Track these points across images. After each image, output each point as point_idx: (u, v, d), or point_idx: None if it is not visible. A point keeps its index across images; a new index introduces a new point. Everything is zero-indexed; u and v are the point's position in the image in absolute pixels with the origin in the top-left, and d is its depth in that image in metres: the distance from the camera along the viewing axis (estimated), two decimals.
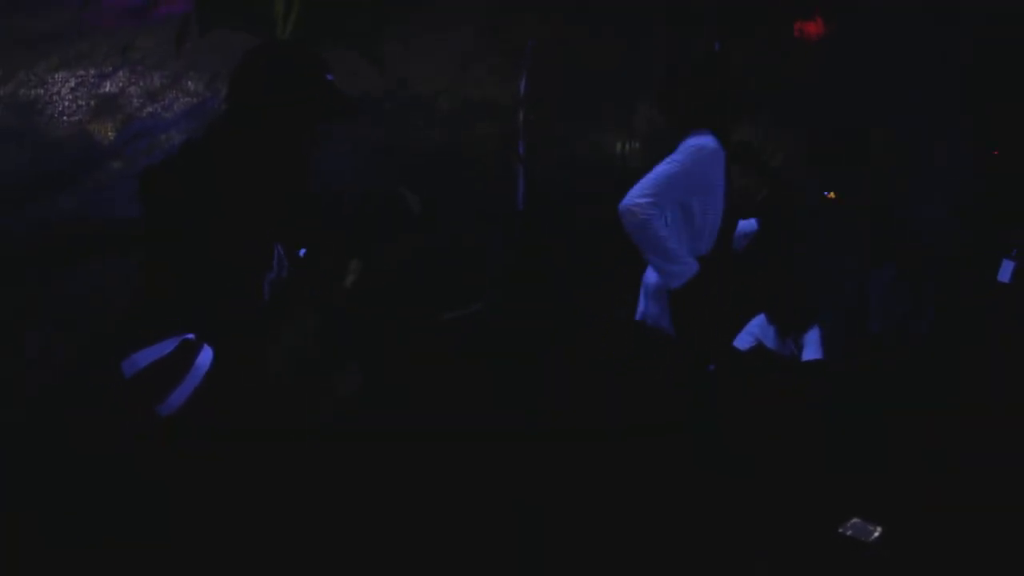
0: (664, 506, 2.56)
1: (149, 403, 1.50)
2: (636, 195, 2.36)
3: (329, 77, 1.66)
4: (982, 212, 5.01)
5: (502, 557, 2.56)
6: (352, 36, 3.53)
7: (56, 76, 3.43)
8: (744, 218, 2.77)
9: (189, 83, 3.48)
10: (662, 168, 2.42)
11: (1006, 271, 4.65)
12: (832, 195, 4.79)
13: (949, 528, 2.79)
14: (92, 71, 3.45)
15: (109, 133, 3.41)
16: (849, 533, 2.62)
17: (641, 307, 2.68)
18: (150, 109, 3.46)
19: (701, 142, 2.46)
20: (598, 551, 2.56)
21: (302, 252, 1.82)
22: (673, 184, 2.41)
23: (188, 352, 1.50)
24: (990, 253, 4.73)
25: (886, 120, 4.99)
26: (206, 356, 1.52)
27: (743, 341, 4.01)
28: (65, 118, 3.40)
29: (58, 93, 3.42)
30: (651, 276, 2.63)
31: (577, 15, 4.14)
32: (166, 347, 1.49)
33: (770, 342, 3.99)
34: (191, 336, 1.52)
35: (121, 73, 3.48)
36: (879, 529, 2.62)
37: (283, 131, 1.63)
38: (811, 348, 3.97)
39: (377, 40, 3.59)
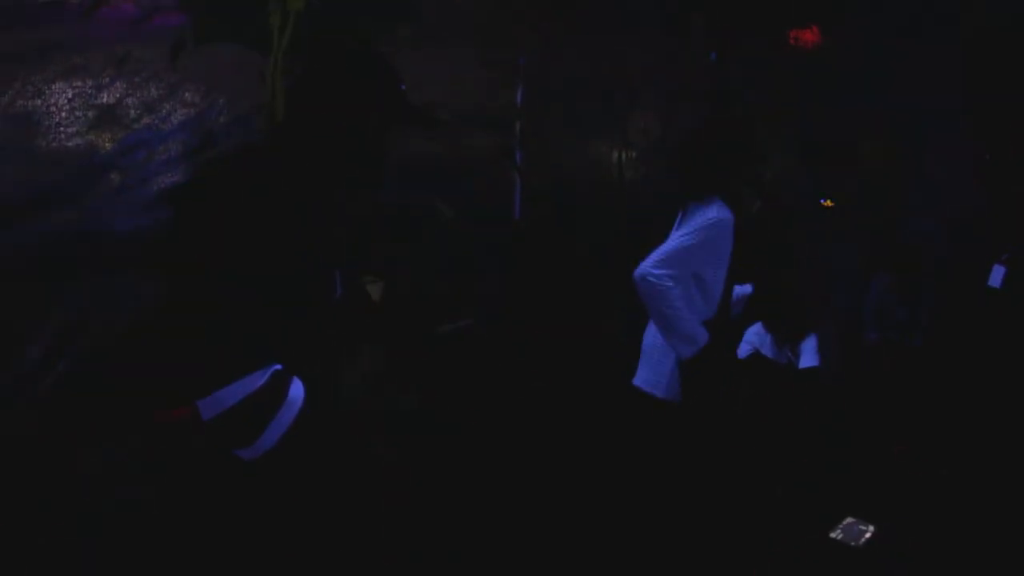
0: (660, 504, 2.58)
1: (236, 445, 1.34)
2: (653, 265, 2.40)
3: (403, 87, 1.55)
4: (975, 218, 5.04)
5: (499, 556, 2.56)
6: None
7: (52, 87, 3.42)
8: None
9: (186, 94, 3.48)
10: (681, 240, 2.46)
11: (997, 276, 4.68)
12: (829, 203, 4.81)
13: (946, 529, 2.80)
14: (89, 82, 3.44)
15: (106, 144, 3.41)
16: (840, 536, 2.62)
17: (641, 373, 2.70)
18: (147, 120, 3.46)
19: (720, 216, 2.49)
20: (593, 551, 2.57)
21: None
22: (692, 257, 2.46)
23: (280, 385, 1.34)
24: (982, 258, 4.75)
25: (880, 128, 5.01)
26: (298, 390, 1.36)
27: (741, 349, 4.03)
28: (62, 129, 3.39)
29: (55, 104, 3.41)
30: (650, 340, 2.67)
31: (572, 27, 4.15)
32: (255, 381, 1.32)
33: (767, 350, 4.00)
34: (279, 367, 1.35)
35: (118, 84, 3.48)
36: (871, 530, 2.62)
37: (361, 139, 1.50)
38: (808, 356, 3.99)
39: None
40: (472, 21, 3.86)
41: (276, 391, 1.32)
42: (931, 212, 5.12)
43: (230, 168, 1.45)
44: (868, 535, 2.62)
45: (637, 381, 2.68)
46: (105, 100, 3.35)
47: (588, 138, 4.48)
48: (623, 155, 4.53)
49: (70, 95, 3.32)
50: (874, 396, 4.32)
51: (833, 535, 2.63)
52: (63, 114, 3.31)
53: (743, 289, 2.81)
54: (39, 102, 3.30)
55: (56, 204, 3.25)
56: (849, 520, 2.70)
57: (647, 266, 2.42)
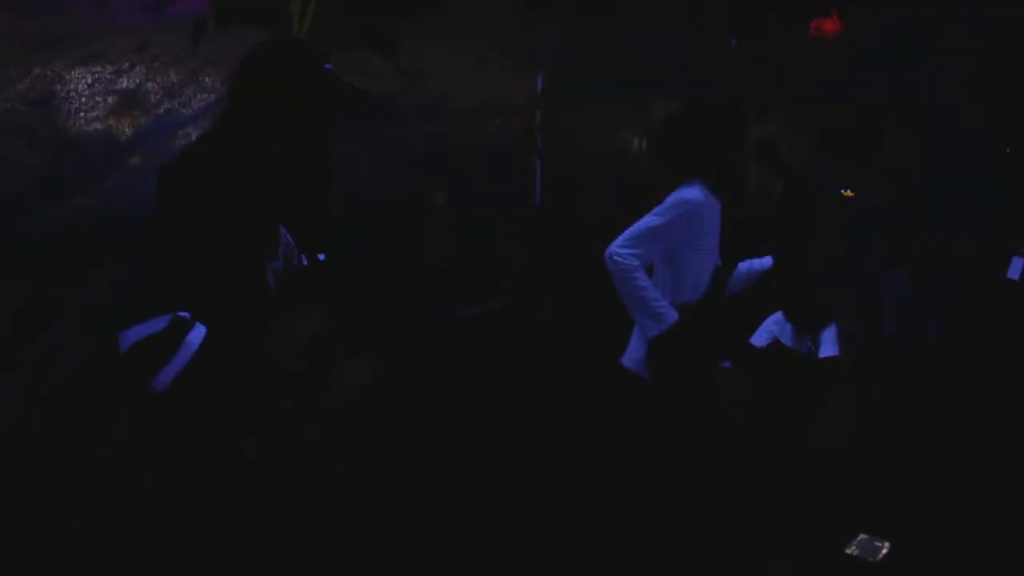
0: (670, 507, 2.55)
1: (140, 378, 1.52)
2: (619, 244, 2.43)
3: (328, 67, 1.67)
4: (994, 209, 5.00)
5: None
6: (369, 33, 3.53)
7: (73, 74, 3.42)
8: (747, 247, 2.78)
9: (207, 79, 3.47)
10: (648, 219, 2.48)
11: (1016, 268, 4.64)
12: (849, 192, 4.78)
13: (963, 531, 2.78)
14: (109, 68, 3.44)
15: (127, 130, 3.41)
16: (856, 552, 2.59)
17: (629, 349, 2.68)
18: (168, 106, 3.46)
19: (688, 195, 2.49)
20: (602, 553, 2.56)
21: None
22: (657, 236, 2.47)
23: (179, 328, 1.50)
24: (1001, 250, 4.71)
25: (900, 118, 4.98)
26: (198, 333, 1.51)
27: (760, 338, 4.00)
28: (83, 115, 3.39)
29: (75, 91, 3.41)
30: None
31: (593, 13, 4.14)
32: (158, 323, 1.50)
33: (787, 339, 3.98)
34: (185, 314, 1.52)
35: (138, 70, 3.47)
36: (887, 546, 2.59)
37: (287, 122, 1.65)
38: (828, 345, 3.96)
39: (393, 37, 3.59)
40: (493, 7, 3.85)
41: (175, 333, 1.49)
42: (952, 204, 5.08)
43: (191, 148, 1.73)
44: (884, 551, 2.59)
45: (626, 360, 2.68)
46: (125, 86, 3.35)
47: (609, 125, 4.47)
48: (644, 142, 4.51)
49: (90, 81, 3.32)
50: (892, 388, 4.29)
51: (849, 551, 2.59)
52: (83, 100, 3.30)
53: (745, 265, 2.75)
54: (59, 88, 3.30)
55: (77, 190, 3.25)
56: (863, 536, 2.67)
57: (615, 245, 2.44)
